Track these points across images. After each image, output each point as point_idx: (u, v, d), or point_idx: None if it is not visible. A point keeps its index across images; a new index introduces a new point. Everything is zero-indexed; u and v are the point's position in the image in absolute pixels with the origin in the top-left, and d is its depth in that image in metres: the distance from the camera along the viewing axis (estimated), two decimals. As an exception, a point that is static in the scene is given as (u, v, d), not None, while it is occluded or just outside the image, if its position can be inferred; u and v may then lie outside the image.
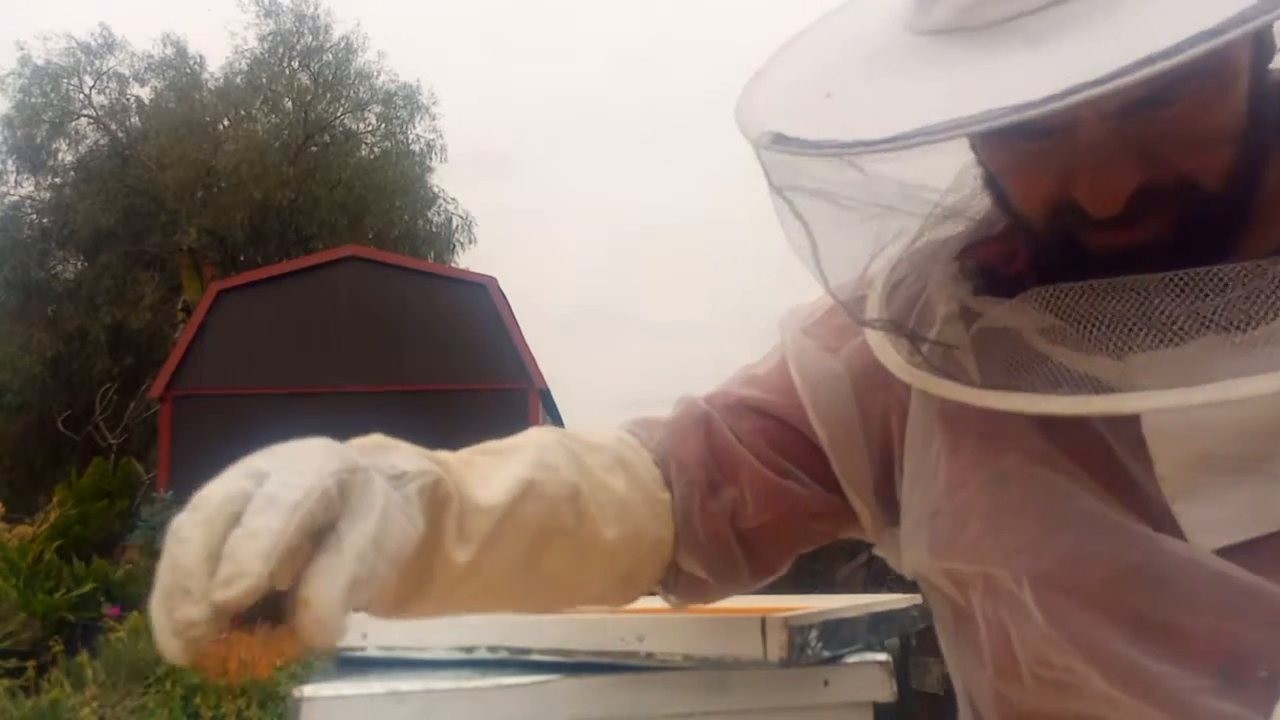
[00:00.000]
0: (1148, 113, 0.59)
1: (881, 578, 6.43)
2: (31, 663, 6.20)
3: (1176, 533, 0.61)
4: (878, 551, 0.87)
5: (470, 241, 20.74)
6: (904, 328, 0.72)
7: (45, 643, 6.94)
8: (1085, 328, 0.61)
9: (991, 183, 0.70)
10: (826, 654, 0.97)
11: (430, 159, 20.44)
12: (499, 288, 12.99)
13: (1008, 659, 0.66)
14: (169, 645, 0.49)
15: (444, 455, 0.69)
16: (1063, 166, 0.62)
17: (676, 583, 0.84)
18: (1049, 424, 0.65)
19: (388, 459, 0.61)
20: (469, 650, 1.04)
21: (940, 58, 0.58)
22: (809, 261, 0.69)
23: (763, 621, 0.91)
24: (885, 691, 1.00)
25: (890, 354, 0.73)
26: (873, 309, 0.75)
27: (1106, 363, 0.61)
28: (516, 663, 1.01)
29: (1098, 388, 0.60)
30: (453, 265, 18.57)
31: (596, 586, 0.79)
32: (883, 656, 1.02)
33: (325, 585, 0.50)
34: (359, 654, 1.11)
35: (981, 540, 0.67)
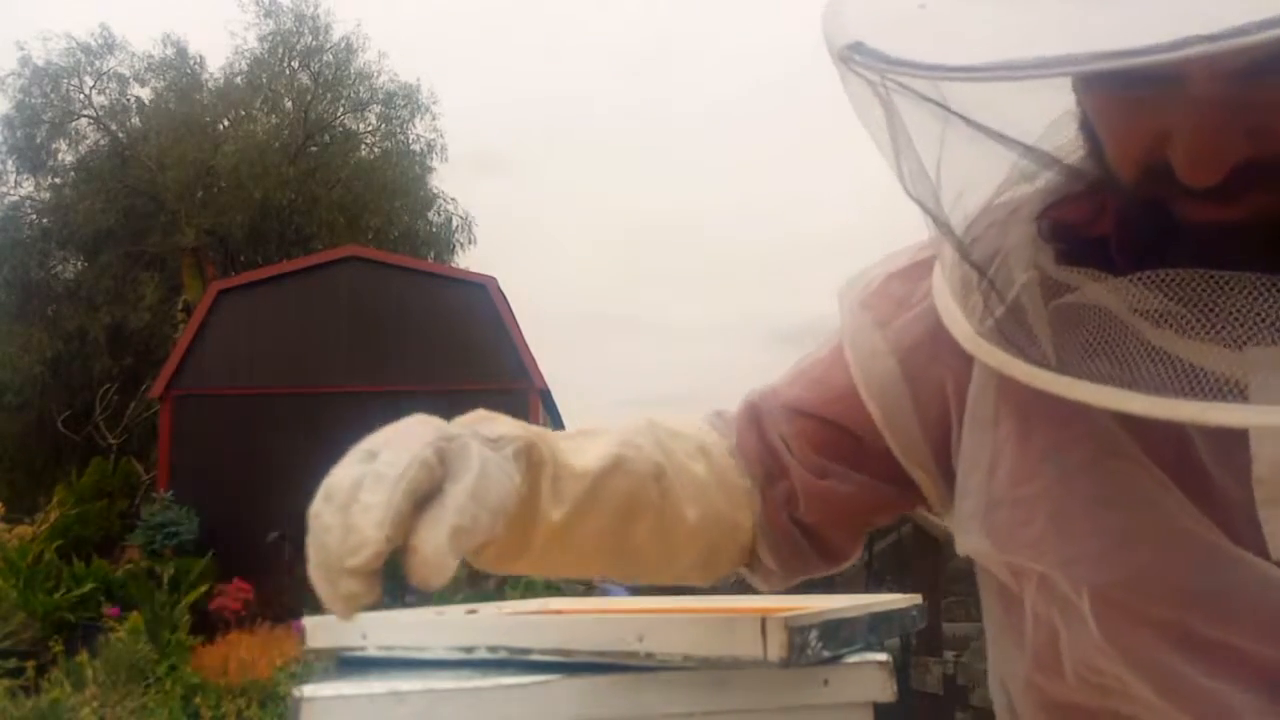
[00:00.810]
0: (1270, 79, 0.52)
1: (881, 578, 6.43)
2: (31, 663, 6.21)
3: (1258, 539, 0.59)
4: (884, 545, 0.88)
5: (470, 241, 20.75)
6: (985, 275, 0.65)
7: (45, 643, 6.95)
8: (1202, 314, 0.55)
9: (1086, 128, 0.63)
10: (826, 654, 0.97)
11: (430, 159, 20.45)
12: (499, 288, 12.99)
13: (1051, 655, 0.66)
14: (341, 613, 0.59)
15: (541, 429, 0.72)
16: (1162, 123, 0.55)
17: (757, 567, 0.87)
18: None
19: (487, 427, 0.67)
20: (469, 650, 1.04)
21: None
22: (892, 164, 0.62)
23: (763, 621, 0.91)
24: (885, 691, 1.00)
25: (960, 323, 0.67)
26: (948, 267, 0.70)
27: (1220, 352, 0.54)
28: (516, 663, 1.01)
29: (1201, 384, 0.54)
30: (453, 265, 18.57)
31: (680, 564, 0.82)
32: (883, 656, 1.02)
33: (429, 534, 0.58)
34: (359, 654, 1.11)
35: (1043, 540, 0.65)
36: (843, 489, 0.81)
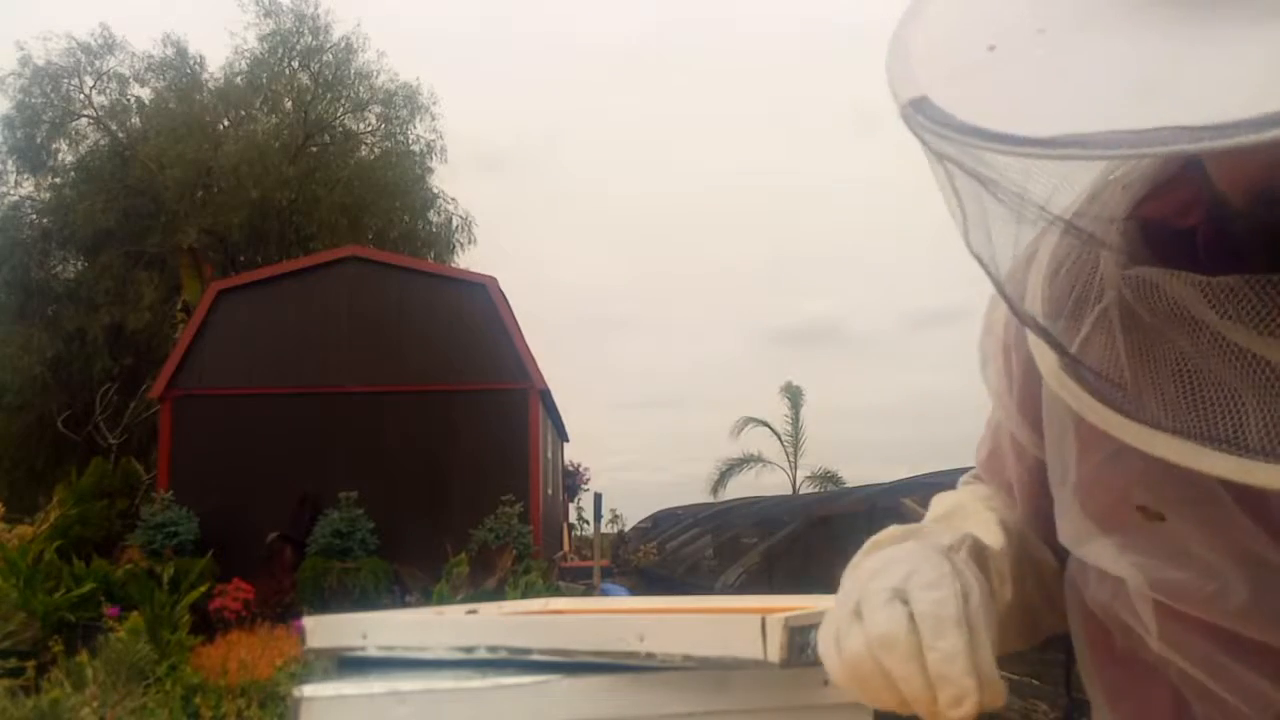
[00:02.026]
0: None
1: (881, 578, 6.40)
2: (31, 663, 6.21)
3: None
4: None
5: (470, 241, 20.78)
6: (1048, 331, 0.63)
7: (45, 643, 6.95)
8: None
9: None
10: (826, 654, 0.97)
11: (430, 159, 20.47)
12: (499, 288, 12.99)
13: (1109, 612, 0.71)
14: None
15: (949, 509, 0.79)
16: (1274, 152, 0.48)
17: None
18: None
19: (934, 537, 0.71)
20: (469, 650, 1.04)
21: (1131, 13, 0.45)
22: (965, 240, 0.58)
23: (763, 621, 0.91)
24: (885, 691, 1.00)
25: (1045, 356, 0.66)
26: (1032, 295, 0.66)
27: None
28: (516, 663, 1.00)
29: (1253, 438, 0.51)
30: (453, 265, 18.58)
31: (1059, 610, 0.84)
32: (883, 656, 1.02)
33: (983, 656, 0.61)
34: (359, 654, 1.10)
35: (1108, 550, 0.68)
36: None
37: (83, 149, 19.15)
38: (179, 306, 16.16)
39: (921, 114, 0.49)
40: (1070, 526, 0.71)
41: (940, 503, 0.89)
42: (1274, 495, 0.58)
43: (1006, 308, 0.74)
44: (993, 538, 0.78)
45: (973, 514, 0.83)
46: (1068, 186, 0.54)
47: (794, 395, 25.96)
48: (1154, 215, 0.60)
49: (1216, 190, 0.55)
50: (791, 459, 25.81)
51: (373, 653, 1.09)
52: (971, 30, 0.51)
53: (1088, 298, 0.62)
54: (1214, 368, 0.54)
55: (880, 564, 0.66)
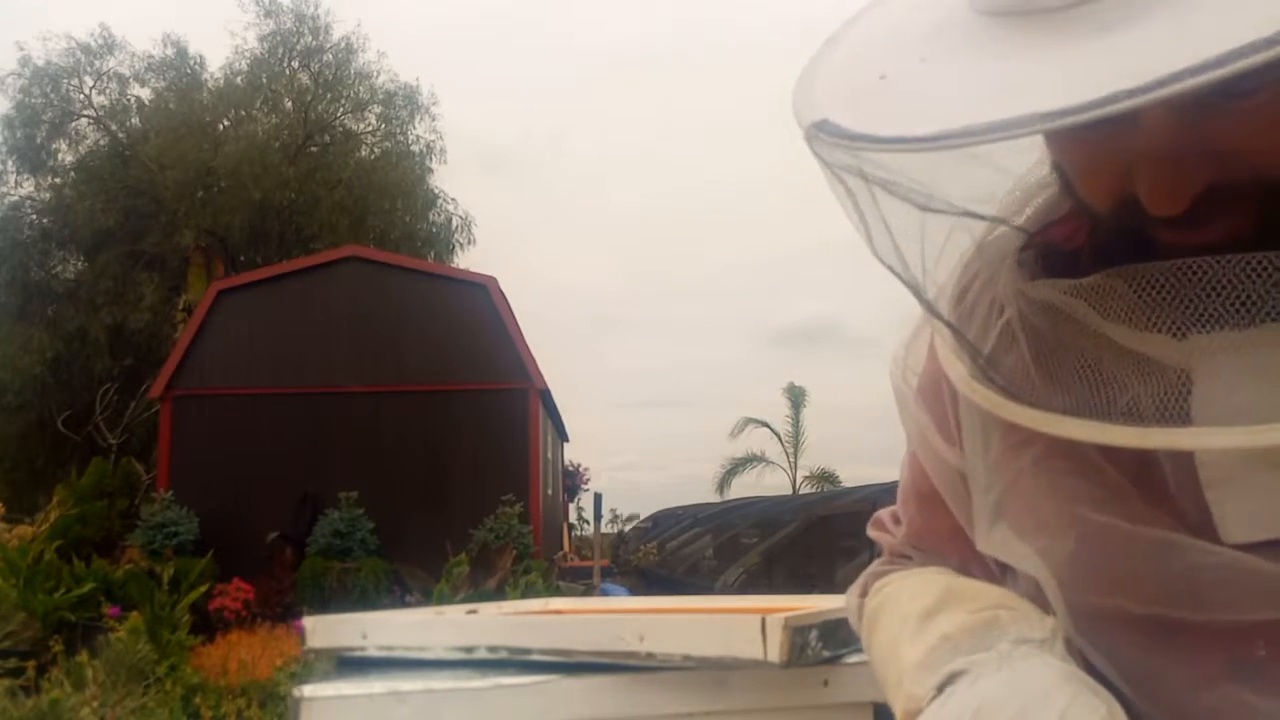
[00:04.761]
0: (1223, 104, 0.53)
1: (881, 578, 6.40)
2: (31, 663, 6.20)
3: (1207, 520, 0.60)
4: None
5: (470, 241, 20.79)
6: (962, 334, 0.69)
7: (45, 643, 6.94)
8: (1145, 304, 0.57)
9: (1057, 166, 0.65)
10: (826, 654, 0.97)
11: (430, 159, 20.47)
12: (499, 288, 12.98)
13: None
14: None
15: (1007, 593, 0.74)
16: (1124, 157, 0.57)
17: None
18: None
19: (1017, 632, 0.68)
20: (469, 650, 1.04)
21: (997, 42, 0.53)
22: (871, 248, 0.64)
23: (763, 621, 0.91)
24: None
25: (955, 365, 0.70)
26: (942, 311, 0.72)
27: (1164, 341, 0.57)
28: (516, 663, 1.00)
29: (1143, 406, 0.56)
30: (453, 265, 18.58)
31: None
32: (882, 656, 1.02)
33: None
34: (359, 654, 1.11)
35: (1014, 540, 0.70)
36: None
37: (83, 149, 19.14)
38: (180, 306, 16.15)
39: (823, 132, 0.57)
40: (984, 526, 0.72)
41: (917, 590, 0.79)
42: (1171, 468, 0.62)
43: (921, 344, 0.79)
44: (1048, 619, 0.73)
45: (986, 590, 0.76)
46: (955, 182, 0.64)
47: (796, 396, 25.97)
48: (1048, 241, 0.68)
49: (1087, 206, 0.63)
50: (792, 459, 25.83)
51: (373, 653, 1.09)
52: (867, 64, 0.60)
53: (990, 315, 0.70)
54: (1090, 353, 0.60)
55: (1033, 688, 0.61)
